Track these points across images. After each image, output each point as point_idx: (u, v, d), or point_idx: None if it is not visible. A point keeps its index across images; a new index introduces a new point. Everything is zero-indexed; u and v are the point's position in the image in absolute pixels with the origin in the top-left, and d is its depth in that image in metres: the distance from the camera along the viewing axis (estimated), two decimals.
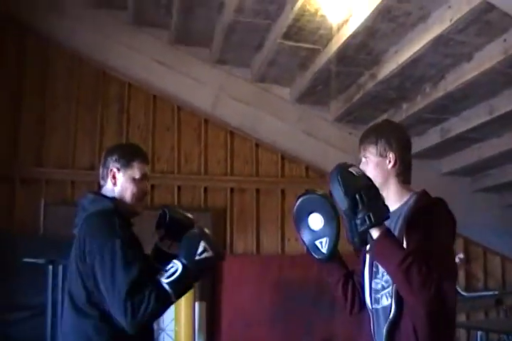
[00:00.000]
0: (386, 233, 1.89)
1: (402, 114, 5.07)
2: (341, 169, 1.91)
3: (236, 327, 5.34)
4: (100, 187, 2.46)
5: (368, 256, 2.14)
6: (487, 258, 6.29)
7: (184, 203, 5.45)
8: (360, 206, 1.83)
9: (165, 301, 2.08)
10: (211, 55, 5.34)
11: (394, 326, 1.95)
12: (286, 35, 4.40)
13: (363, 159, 2.18)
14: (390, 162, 2.11)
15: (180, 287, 2.12)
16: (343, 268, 2.23)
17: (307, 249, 2.12)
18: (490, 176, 5.89)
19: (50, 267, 4.44)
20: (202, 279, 2.34)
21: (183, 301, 4.95)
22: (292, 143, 5.71)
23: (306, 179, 5.69)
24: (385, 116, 5.31)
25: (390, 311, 1.95)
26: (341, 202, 1.86)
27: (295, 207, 2.16)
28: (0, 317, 4.62)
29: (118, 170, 2.37)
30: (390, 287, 1.97)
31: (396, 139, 2.15)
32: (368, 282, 2.12)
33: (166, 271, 2.12)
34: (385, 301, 2.01)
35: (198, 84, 5.45)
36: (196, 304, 5.13)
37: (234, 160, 5.75)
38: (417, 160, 5.75)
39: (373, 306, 2.08)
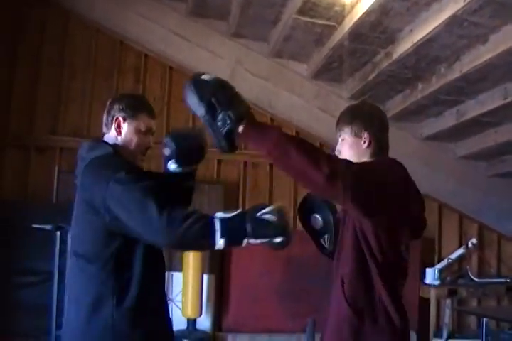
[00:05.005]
0: (249, 123, 1.80)
1: (417, 94, 4.97)
2: (193, 78, 1.82)
3: (243, 302, 5.38)
4: (102, 134, 2.36)
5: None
6: (501, 245, 6.21)
7: (197, 175, 5.45)
8: (218, 108, 1.75)
9: (204, 227, 1.95)
10: (228, 28, 5.30)
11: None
12: (301, 11, 4.35)
13: (339, 139, 2.18)
14: (364, 142, 2.12)
15: (228, 225, 1.96)
16: None
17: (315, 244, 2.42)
18: (506, 162, 5.77)
19: (58, 233, 4.54)
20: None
21: (191, 273, 5.00)
22: (307, 119, 5.65)
23: None
24: (400, 96, 5.23)
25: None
26: (198, 109, 1.77)
27: (301, 207, 2.48)
28: (10, 281, 4.76)
29: (124, 119, 2.29)
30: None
31: (371, 120, 2.16)
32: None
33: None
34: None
35: (214, 57, 5.42)
36: (205, 276, 5.18)
37: None
38: (433, 142, 5.86)
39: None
